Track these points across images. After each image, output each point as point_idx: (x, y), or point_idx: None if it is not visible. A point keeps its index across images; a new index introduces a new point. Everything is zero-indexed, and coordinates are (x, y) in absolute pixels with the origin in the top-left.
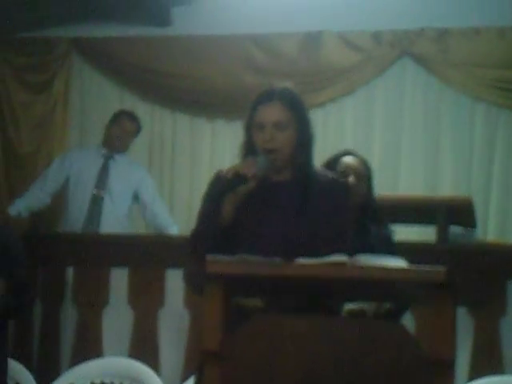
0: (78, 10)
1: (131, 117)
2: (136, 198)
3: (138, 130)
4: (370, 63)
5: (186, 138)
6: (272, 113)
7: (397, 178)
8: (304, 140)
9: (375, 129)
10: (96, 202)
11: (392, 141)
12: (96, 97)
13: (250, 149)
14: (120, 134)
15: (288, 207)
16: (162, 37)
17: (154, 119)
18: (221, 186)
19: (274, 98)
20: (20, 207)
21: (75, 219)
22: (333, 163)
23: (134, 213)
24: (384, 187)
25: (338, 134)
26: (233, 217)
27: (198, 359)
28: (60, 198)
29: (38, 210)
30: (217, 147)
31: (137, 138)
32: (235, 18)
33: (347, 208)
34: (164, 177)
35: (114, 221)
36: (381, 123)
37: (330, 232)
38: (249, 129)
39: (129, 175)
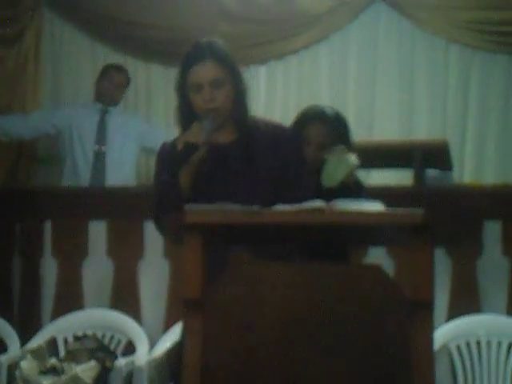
0: None
1: (119, 69)
2: (142, 147)
3: (127, 81)
4: (344, 8)
5: (161, 89)
6: (207, 71)
7: (372, 123)
8: (241, 94)
9: (350, 74)
10: (98, 158)
11: (367, 85)
12: (67, 49)
13: (186, 111)
14: (110, 87)
15: (237, 167)
16: None
17: (128, 70)
18: (174, 159)
19: (205, 55)
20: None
21: (80, 175)
22: (300, 128)
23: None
24: (360, 132)
25: (313, 80)
26: (191, 186)
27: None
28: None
29: (15, 136)
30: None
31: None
32: None
33: (296, 153)
34: None
35: (120, 174)
36: (355, 68)
37: (286, 181)
38: (183, 90)
39: (129, 126)
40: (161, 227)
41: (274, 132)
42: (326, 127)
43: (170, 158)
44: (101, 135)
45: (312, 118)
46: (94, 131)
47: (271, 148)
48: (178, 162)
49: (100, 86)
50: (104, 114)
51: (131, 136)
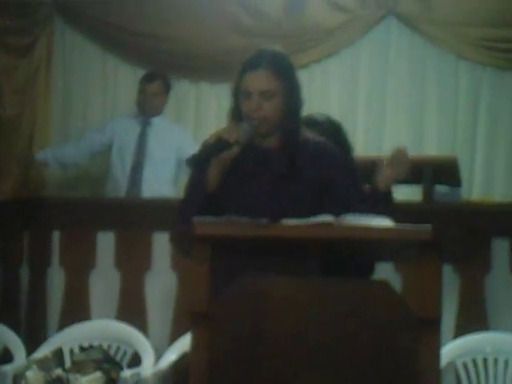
0: None
1: (150, 78)
2: (180, 160)
3: (164, 88)
4: (355, 23)
5: (171, 101)
6: (259, 81)
7: (382, 138)
8: (292, 107)
9: (360, 89)
10: (136, 170)
11: (377, 100)
12: (79, 60)
13: (237, 115)
14: (145, 98)
15: (276, 173)
16: None
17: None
18: (205, 152)
19: (261, 64)
20: (48, 155)
21: (119, 187)
22: None
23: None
24: (369, 147)
25: (323, 95)
26: (218, 183)
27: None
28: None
29: (70, 164)
30: (201, 110)
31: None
32: None
33: (342, 170)
34: None
35: (157, 186)
36: (366, 83)
37: (327, 196)
38: (236, 95)
39: (169, 138)
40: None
41: (320, 148)
42: (318, 132)
43: (203, 152)
44: (140, 147)
45: (310, 125)
46: (134, 143)
47: (316, 161)
48: (207, 155)
49: (138, 99)
50: (145, 125)
51: (171, 149)
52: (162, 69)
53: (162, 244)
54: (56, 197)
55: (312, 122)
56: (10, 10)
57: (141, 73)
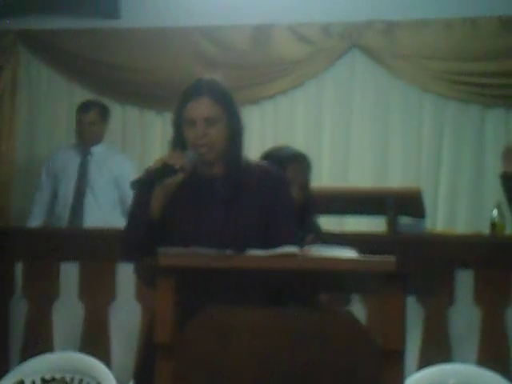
0: (24, 2)
1: (85, 108)
2: (120, 189)
3: (99, 117)
4: (320, 55)
5: (136, 131)
6: (202, 108)
7: (346, 169)
8: (235, 133)
9: (325, 120)
10: (78, 199)
11: (342, 132)
12: (45, 90)
13: (179, 145)
14: (82, 128)
15: (221, 202)
16: (110, 29)
17: (101, 103)
18: (149, 175)
19: (203, 92)
20: (38, 221)
21: (61, 216)
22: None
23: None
24: (334, 178)
25: (289, 125)
26: (162, 211)
27: (140, 351)
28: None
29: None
30: (167, 140)
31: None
32: (184, 10)
33: (286, 198)
34: None
35: (99, 215)
36: (331, 115)
37: (273, 222)
38: (178, 124)
39: (110, 166)
40: (128, 259)
41: (263, 173)
42: (305, 166)
43: (143, 181)
44: (81, 176)
45: (292, 159)
46: (75, 173)
47: (259, 188)
48: (151, 178)
49: (75, 129)
50: (86, 154)
51: (111, 177)
52: (127, 98)
53: (126, 275)
54: (18, 227)
55: (301, 157)
56: None
57: (107, 103)
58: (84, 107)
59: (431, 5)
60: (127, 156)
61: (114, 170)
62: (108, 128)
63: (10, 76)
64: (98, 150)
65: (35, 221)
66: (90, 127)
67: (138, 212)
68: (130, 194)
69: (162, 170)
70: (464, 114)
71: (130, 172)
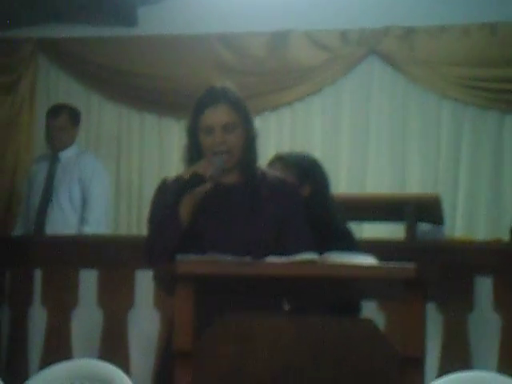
0: (43, 11)
1: (54, 113)
2: (84, 192)
3: (69, 122)
4: (337, 62)
5: (154, 138)
6: (220, 115)
7: (365, 176)
8: (251, 139)
9: (343, 127)
10: (42, 206)
11: (359, 139)
12: (63, 98)
13: (195, 152)
14: (51, 133)
15: (239, 210)
16: (128, 37)
17: (122, 119)
18: (178, 188)
19: (219, 99)
20: (20, 232)
21: (28, 225)
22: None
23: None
24: (352, 185)
25: (307, 132)
26: (190, 219)
27: (159, 359)
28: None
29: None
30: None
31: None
32: (202, 17)
33: (299, 207)
34: (132, 177)
35: (61, 219)
36: (348, 121)
37: (288, 231)
38: (194, 133)
39: (77, 168)
40: (153, 266)
41: (279, 183)
42: (289, 169)
43: (172, 190)
44: (48, 184)
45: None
46: (43, 181)
47: (274, 197)
48: (181, 191)
49: (45, 135)
50: (54, 161)
51: (75, 180)
52: (145, 106)
53: (145, 282)
54: (38, 234)
55: (282, 160)
56: None
57: (125, 111)
58: (53, 112)
59: (449, 11)
60: (95, 157)
61: (81, 171)
62: (78, 131)
63: (29, 84)
64: (66, 155)
65: (18, 232)
66: (59, 132)
67: (166, 220)
68: (92, 192)
69: (192, 181)
70: (482, 120)
71: (96, 171)
